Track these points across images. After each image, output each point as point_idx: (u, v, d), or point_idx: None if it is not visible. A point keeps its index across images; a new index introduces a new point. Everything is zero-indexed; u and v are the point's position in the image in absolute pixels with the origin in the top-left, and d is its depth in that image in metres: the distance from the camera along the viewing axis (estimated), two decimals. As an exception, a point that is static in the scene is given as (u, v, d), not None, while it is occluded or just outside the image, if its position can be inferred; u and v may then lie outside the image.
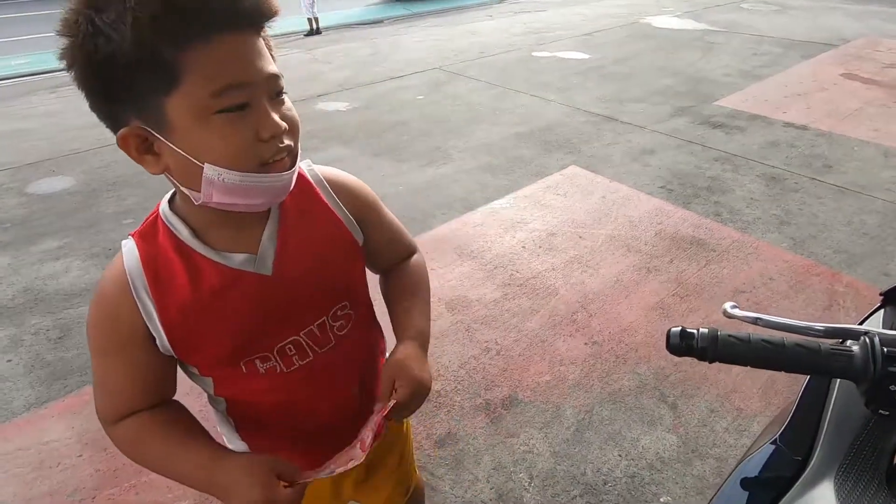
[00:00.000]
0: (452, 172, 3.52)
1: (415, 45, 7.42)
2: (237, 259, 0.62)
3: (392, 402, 0.65)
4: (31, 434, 1.78)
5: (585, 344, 2.08)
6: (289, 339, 0.67)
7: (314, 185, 0.69)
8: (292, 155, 0.57)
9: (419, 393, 0.67)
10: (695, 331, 0.59)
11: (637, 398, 1.83)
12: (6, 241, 2.94)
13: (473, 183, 3.37)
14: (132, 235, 0.62)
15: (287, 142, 0.55)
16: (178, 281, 0.59)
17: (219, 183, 0.52)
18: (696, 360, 0.61)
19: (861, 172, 3.28)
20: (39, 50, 8.44)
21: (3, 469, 1.66)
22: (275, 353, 0.67)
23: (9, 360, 2.11)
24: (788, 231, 2.73)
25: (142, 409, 0.63)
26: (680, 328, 0.60)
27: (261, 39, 0.53)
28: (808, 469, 0.62)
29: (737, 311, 0.67)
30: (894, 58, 5.62)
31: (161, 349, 0.61)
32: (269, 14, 0.53)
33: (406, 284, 0.81)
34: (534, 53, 6.53)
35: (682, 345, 0.59)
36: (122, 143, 0.52)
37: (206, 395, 0.73)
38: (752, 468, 0.69)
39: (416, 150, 3.86)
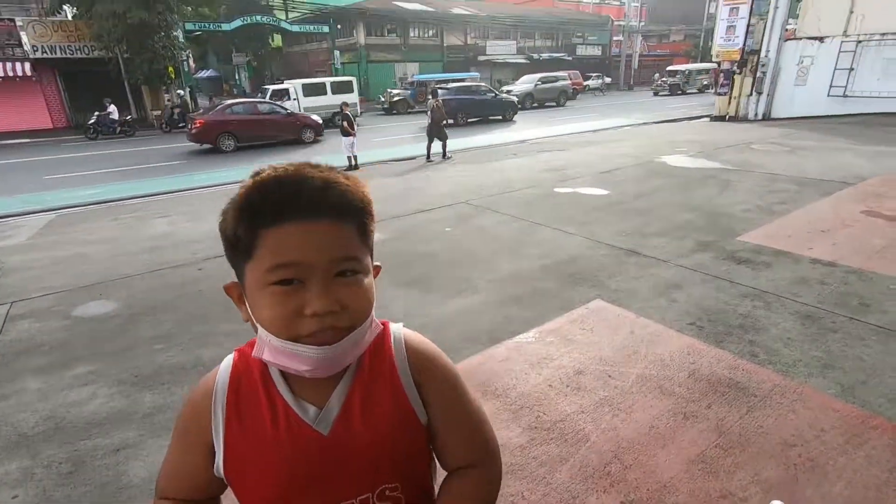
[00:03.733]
0: (478, 304, 3.56)
1: (444, 180, 8.03)
2: (308, 411, 0.65)
3: None
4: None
5: (622, 502, 1.89)
6: None
7: (393, 351, 0.70)
8: (340, 332, 0.59)
9: None
10: None
11: (686, 576, 1.60)
12: (42, 365, 3.02)
13: (499, 315, 3.38)
14: (236, 351, 0.70)
15: (333, 321, 0.58)
16: (255, 414, 0.65)
17: (267, 343, 0.60)
18: None
19: (902, 312, 3.16)
20: (107, 182, 9.49)
21: None
22: None
23: (14, 497, 2.04)
24: (834, 375, 2.57)
25: (179, 500, 0.70)
26: None
27: (343, 226, 0.59)
28: None
29: None
30: (913, 196, 5.73)
31: (215, 469, 0.67)
32: (334, 209, 0.58)
33: (460, 498, 0.72)
34: (556, 189, 6.94)
35: None
36: (226, 291, 0.65)
37: None
38: None
39: (443, 280, 3.97)
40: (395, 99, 22.76)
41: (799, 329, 3.03)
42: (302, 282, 0.57)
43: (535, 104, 23.54)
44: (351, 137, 9.60)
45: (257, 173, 0.60)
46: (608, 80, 36.08)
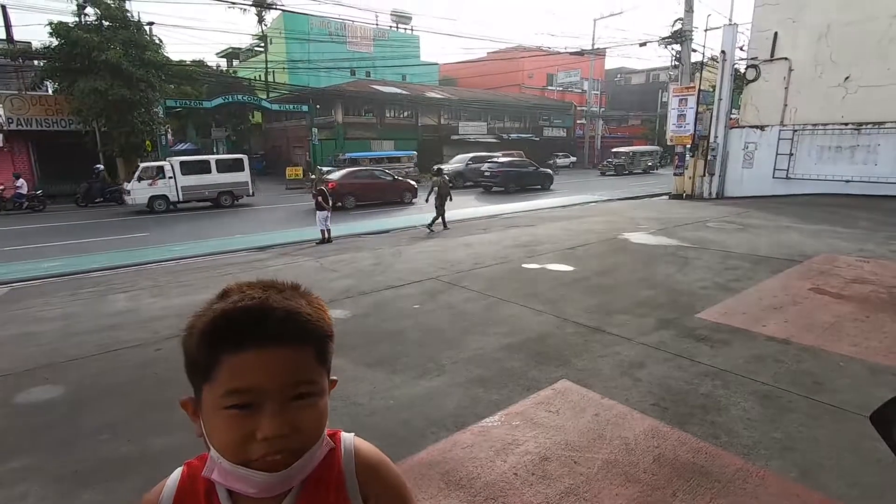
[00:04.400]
0: (445, 385, 3.52)
1: (414, 255, 8.15)
2: None
3: None
4: None
5: None
6: None
7: (342, 463, 0.71)
8: (291, 454, 0.61)
9: None
10: None
11: None
12: (-29, 460, 2.79)
13: (465, 397, 3.34)
14: (185, 464, 0.70)
15: (284, 444, 0.60)
16: None
17: (217, 465, 0.62)
18: None
19: (853, 391, 3.27)
20: (70, 254, 9.25)
21: None
22: None
23: None
24: (793, 458, 2.60)
25: None
26: None
27: (301, 353, 0.62)
28: None
29: None
30: (854, 273, 6.12)
31: None
32: (294, 337, 0.61)
33: None
34: (524, 265, 7.13)
35: None
36: (182, 406, 0.66)
37: None
38: None
39: (410, 360, 3.93)
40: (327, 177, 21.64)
41: (758, 409, 3.09)
42: (257, 405, 0.59)
43: (469, 183, 22.38)
44: (325, 212, 9.76)
45: (225, 295, 0.64)
46: (573, 159, 38.35)
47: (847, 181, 13.27)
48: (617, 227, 10.08)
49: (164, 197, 16.04)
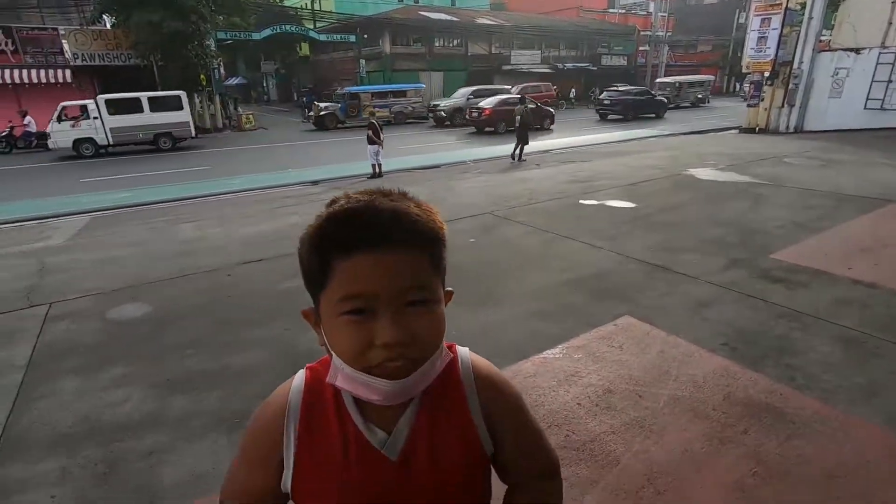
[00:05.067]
0: (504, 318, 3.53)
1: (467, 190, 8.03)
2: (377, 436, 0.66)
3: None
4: (55, 589, 1.68)
5: (656, 530, 1.83)
6: None
7: (462, 378, 0.71)
8: (411, 362, 0.60)
9: None
10: None
11: None
12: (78, 366, 3.11)
13: (525, 330, 3.35)
14: (307, 368, 0.71)
15: (403, 351, 0.58)
16: (327, 435, 0.66)
17: (340, 371, 0.61)
18: None
19: (951, 339, 3.02)
20: (140, 186, 9.78)
21: None
22: None
23: (52, 497, 2.09)
24: (880, 405, 2.46)
25: None
26: None
27: (413, 256, 0.59)
28: None
29: None
30: (959, 215, 5.49)
31: (282, 484, 0.67)
32: (404, 239, 0.58)
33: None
34: (581, 201, 6.88)
35: None
36: (304, 316, 0.66)
37: None
38: None
39: (468, 293, 3.95)
40: (323, 113, 20.42)
41: (839, 353, 2.92)
42: (373, 312, 0.57)
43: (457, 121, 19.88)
44: (376, 146, 9.70)
45: (332, 202, 0.61)
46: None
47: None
48: (682, 163, 9.47)
49: (91, 140, 14.42)
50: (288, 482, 0.67)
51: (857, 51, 13.08)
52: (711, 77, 30.50)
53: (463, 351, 0.73)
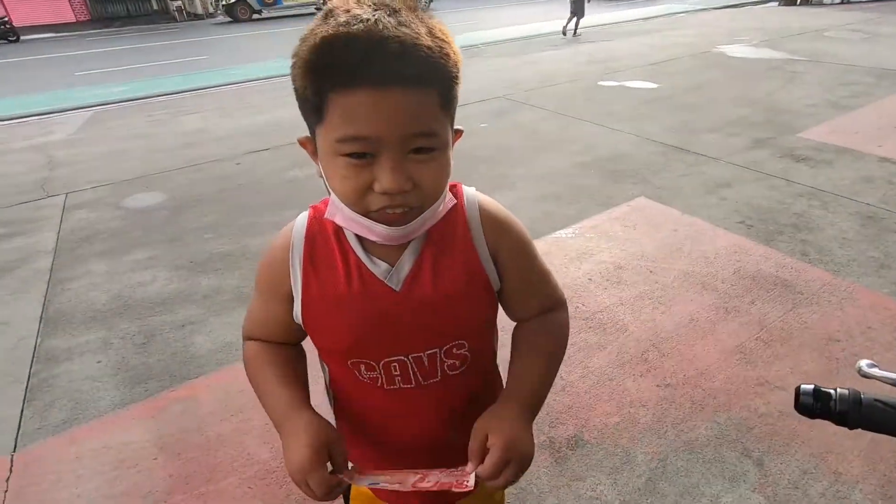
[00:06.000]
0: (516, 200, 3.51)
1: (477, 75, 7.57)
2: (380, 266, 0.65)
3: (473, 471, 0.61)
4: (114, 433, 1.89)
5: (657, 386, 1.96)
6: (396, 357, 0.68)
7: (467, 215, 0.68)
8: (412, 210, 0.57)
9: (515, 461, 0.62)
10: (832, 391, 0.53)
11: (717, 450, 1.69)
12: (103, 250, 3.21)
13: (538, 211, 3.34)
14: (311, 207, 0.70)
15: (404, 199, 0.55)
16: (330, 267, 0.66)
17: (339, 209, 0.60)
18: (827, 421, 0.55)
19: (975, 214, 2.95)
20: (138, 78, 9.36)
21: (89, 465, 1.77)
22: (380, 366, 0.69)
23: (98, 362, 2.27)
24: (890, 275, 2.48)
25: (265, 341, 0.75)
26: (813, 386, 0.54)
27: (421, 96, 0.52)
28: None
29: (876, 371, 0.59)
30: None
31: (294, 315, 0.69)
32: (413, 76, 0.51)
33: (534, 339, 0.76)
34: (599, 83, 6.48)
35: (815, 406, 0.53)
36: (300, 144, 0.63)
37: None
38: None
39: (479, 176, 3.89)
40: (234, 1, 17.48)
41: (857, 229, 2.89)
42: (373, 155, 0.53)
43: None
44: None
45: (328, 15, 0.52)
46: None
47: None
48: (711, 40, 8.72)
49: None
50: (298, 312, 0.68)
51: None
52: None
53: (469, 190, 0.71)
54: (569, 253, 2.85)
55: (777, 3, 13.87)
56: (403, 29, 0.50)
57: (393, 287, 0.65)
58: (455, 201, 0.67)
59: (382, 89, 0.50)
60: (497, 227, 0.70)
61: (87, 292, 2.79)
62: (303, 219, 0.69)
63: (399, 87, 0.51)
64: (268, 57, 10.65)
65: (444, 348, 0.69)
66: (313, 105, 0.54)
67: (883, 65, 6.33)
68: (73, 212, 3.80)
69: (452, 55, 0.55)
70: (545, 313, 0.77)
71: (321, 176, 0.61)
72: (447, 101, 0.56)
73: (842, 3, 12.63)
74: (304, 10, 17.79)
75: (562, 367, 2.08)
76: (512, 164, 4.12)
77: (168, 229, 3.44)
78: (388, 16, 0.51)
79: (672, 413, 1.84)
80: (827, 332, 2.16)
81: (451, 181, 0.66)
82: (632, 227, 3.08)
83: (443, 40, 0.54)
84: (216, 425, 1.90)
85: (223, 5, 17.85)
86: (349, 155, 0.53)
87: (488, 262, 0.68)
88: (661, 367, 2.05)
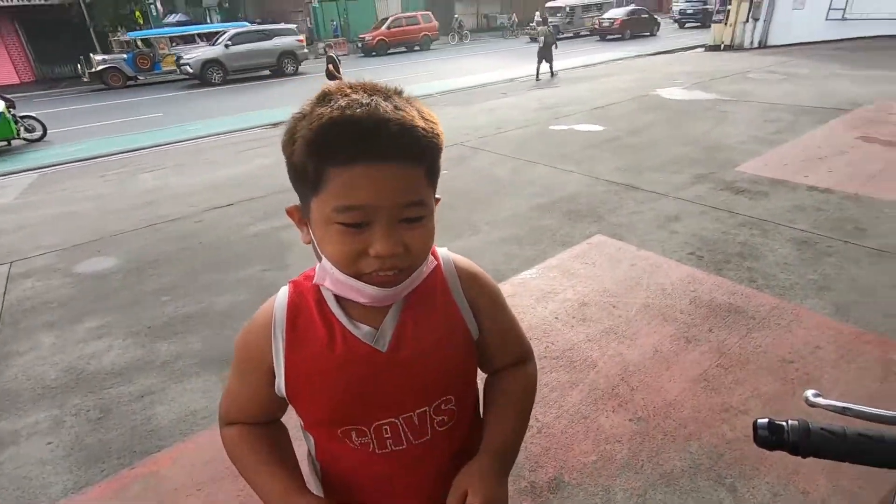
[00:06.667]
0: (480, 245, 3.59)
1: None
2: (363, 330, 0.67)
3: None
4: (67, 522, 1.75)
5: (630, 420, 2.00)
6: (387, 420, 0.70)
7: (445, 273, 0.73)
8: (401, 272, 0.61)
9: None
10: (784, 423, 0.58)
11: (692, 480, 1.73)
12: (52, 321, 3.05)
13: (501, 255, 3.42)
14: (290, 282, 0.72)
15: (395, 262, 0.59)
16: (313, 336, 0.67)
17: (330, 274, 0.62)
18: (783, 451, 0.59)
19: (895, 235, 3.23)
20: (96, 137, 9.16)
21: (38, 561, 1.62)
22: (371, 430, 0.70)
23: (49, 443, 2.11)
24: (829, 297, 2.66)
25: (247, 423, 0.75)
26: (767, 420, 0.59)
27: (413, 170, 0.58)
28: None
29: (821, 400, 0.65)
30: (909, 120, 5.70)
31: (276, 389, 0.70)
32: (408, 154, 0.57)
33: (507, 391, 0.79)
34: (550, 127, 6.82)
35: (771, 438, 0.58)
36: (288, 213, 0.67)
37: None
38: None
39: (443, 224, 3.97)
40: (102, 68, 15.71)
41: (795, 254, 3.10)
42: (368, 223, 0.57)
43: (230, 76, 15.63)
44: (337, 81, 9.23)
45: (325, 98, 0.58)
46: (514, 19, 27.18)
47: (912, 19, 11.80)
48: (649, 84, 9.39)
49: None
50: (282, 386, 0.69)
51: (821, -42, 12.84)
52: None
53: (443, 251, 0.76)
54: (534, 293, 2.92)
55: (704, 49, 15.17)
56: (400, 112, 0.57)
57: (379, 349, 0.67)
58: (436, 263, 0.72)
59: (380, 165, 0.56)
60: (473, 280, 0.75)
61: (34, 367, 2.63)
62: (283, 294, 0.70)
63: (396, 163, 0.56)
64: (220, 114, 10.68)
65: (434, 405, 0.71)
66: (311, 179, 0.57)
67: (799, 103, 6.98)
68: (19, 281, 3.60)
69: (439, 132, 0.62)
70: (517, 364, 0.82)
71: (309, 242, 0.64)
72: (433, 173, 0.62)
73: (759, 47, 13.94)
74: (178, 77, 16.37)
75: (537, 408, 2.10)
76: (474, 208, 4.24)
77: (123, 294, 3.31)
78: (384, 100, 0.57)
79: (646, 447, 1.87)
80: (780, 355, 2.28)
81: None
82: (592, 264, 3.20)
83: (432, 122, 0.61)
84: (182, 501, 1.79)
85: (88, 73, 16.22)
86: (344, 224, 0.57)
87: (468, 313, 0.73)
88: (632, 400, 2.10)
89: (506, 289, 2.98)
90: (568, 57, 16.28)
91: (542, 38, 11.41)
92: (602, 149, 5.65)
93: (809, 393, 0.66)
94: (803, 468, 1.72)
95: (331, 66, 9.16)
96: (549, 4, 23.57)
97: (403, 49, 21.84)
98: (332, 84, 0.62)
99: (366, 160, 0.55)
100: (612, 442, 1.91)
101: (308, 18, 25.45)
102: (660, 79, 9.92)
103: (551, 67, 11.63)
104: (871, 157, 4.62)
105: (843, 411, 0.63)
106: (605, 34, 21.19)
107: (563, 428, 1.99)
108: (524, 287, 3.00)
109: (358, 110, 0.55)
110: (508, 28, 26.04)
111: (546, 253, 3.39)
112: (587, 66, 13.94)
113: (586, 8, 23.22)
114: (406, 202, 0.58)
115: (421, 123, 0.58)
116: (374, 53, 20.82)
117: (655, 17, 22.27)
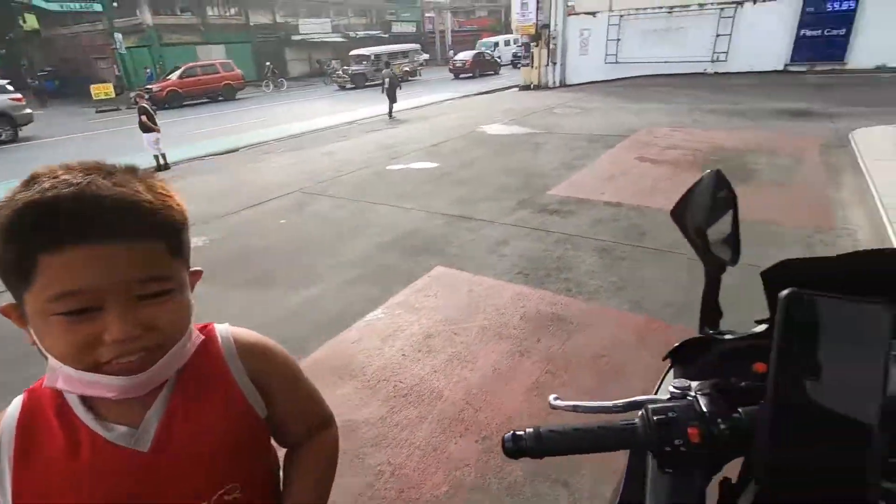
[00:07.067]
0: (324, 291, 3.51)
1: (274, 170, 7.57)
2: (116, 431, 0.59)
3: None
4: None
5: (476, 441, 2.10)
6: None
7: (223, 351, 0.67)
8: (151, 353, 0.56)
9: None
10: (523, 432, 0.66)
11: (532, 486, 1.87)
12: None
13: (346, 298, 3.39)
14: (25, 391, 0.62)
15: (140, 344, 0.54)
16: (47, 450, 0.58)
17: (61, 372, 0.55)
18: (529, 458, 0.68)
19: (666, 235, 3.98)
20: None
21: None
22: None
23: None
24: (626, 294, 3.16)
25: None
26: (512, 433, 0.66)
27: (145, 248, 0.54)
28: None
29: (559, 402, 0.75)
30: (668, 141, 7.16)
31: None
32: (133, 233, 0.53)
33: (307, 466, 0.76)
34: (388, 167, 7.06)
35: (515, 448, 0.65)
36: (3, 314, 0.57)
37: None
38: None
39: (284, 274, 3.81)
40: None
41: (599, 262, 3.63)
42: (98, 308, 0.52)
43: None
44: (153, 133, 8.40)
45: (31, 181, 0.52)
46: (425, 56, 34.46)
47: (665, 62, 14.97)
48: (474, 122, 10.33)
49: None
50: None
51: (593, 14, 15.68)
52: (418, 45, 27.38)
53: (222, 327, 0.71)
54: (381, 334, 2.94)
55: (517, 89, 17.27)
56: (119, 188, 0.53)
57: (140, 449, 0.60)
58: (203, 338, 0.66)
59: (101, 245, 0.51)
60: (257, 354, 0.71)
61: None
62: (14, 406, 0.60)
63: (120, 240, 0.52)
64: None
65: (214, 498, 0.64)
66: (19, 270, 0.51)
67: (592, 132, 8.31)
68: None
69: (176, 206, 0.58)
70: (314, 432, 0.78)
71: (34, 343, 0.55)
72: (176, 248, 0.58)
73: (560, 86, 16.34)
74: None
75: (388, 451, 2.09)
76: (316, 254, 4.15)
77: None
78: (103, 178, 0.53)
79: (491, 464, 1.98)
80: (594, 351, 2.62)
81: (199, 324, 0.67)
82: (433, 295, 3.35)
83: (164, 195, 0.57)
84: None
85: None
86: (65, 313, 0.51)
87: (251, 391, 0.68)
88: (477, 421, 2.21)
89: (351, 335, 2.96)
90: (404, 98, 17.17)
91: (387, 80, 12.45)
92: (437, 184, 6.01)
93: (551, 397, 0.77)
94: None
95: (144, 118, 8.31)
96: (353, 53, 24.09)
97: (206, 100, 20.17)
98: (42, 167, 0.57)
99: (81, 241, 0.50)
100: (461, 467, 1.98)
101: (115, 66, 22.94)
102: (483, 117, 10.99)
103: (391, 109, 12.37)
104: (645, 175, 5.67)
105: (574, 409, 0.75)
106: (458, 73, 23.83)
107: (416, 465, 2.01)
108: (371, 329, 3.00)
109: (65, 190, 0.51)
110: (329, 75, 26.17)
111: (390, 290, 3.45)
112: (420, 106, 14.84)
113: (393, 55, 23.74)
114: (142, 278, 0.54)
115: (147, 197, 0.54)
116: (165, 106, 18.14)
117: (497, 59, 25.80)
